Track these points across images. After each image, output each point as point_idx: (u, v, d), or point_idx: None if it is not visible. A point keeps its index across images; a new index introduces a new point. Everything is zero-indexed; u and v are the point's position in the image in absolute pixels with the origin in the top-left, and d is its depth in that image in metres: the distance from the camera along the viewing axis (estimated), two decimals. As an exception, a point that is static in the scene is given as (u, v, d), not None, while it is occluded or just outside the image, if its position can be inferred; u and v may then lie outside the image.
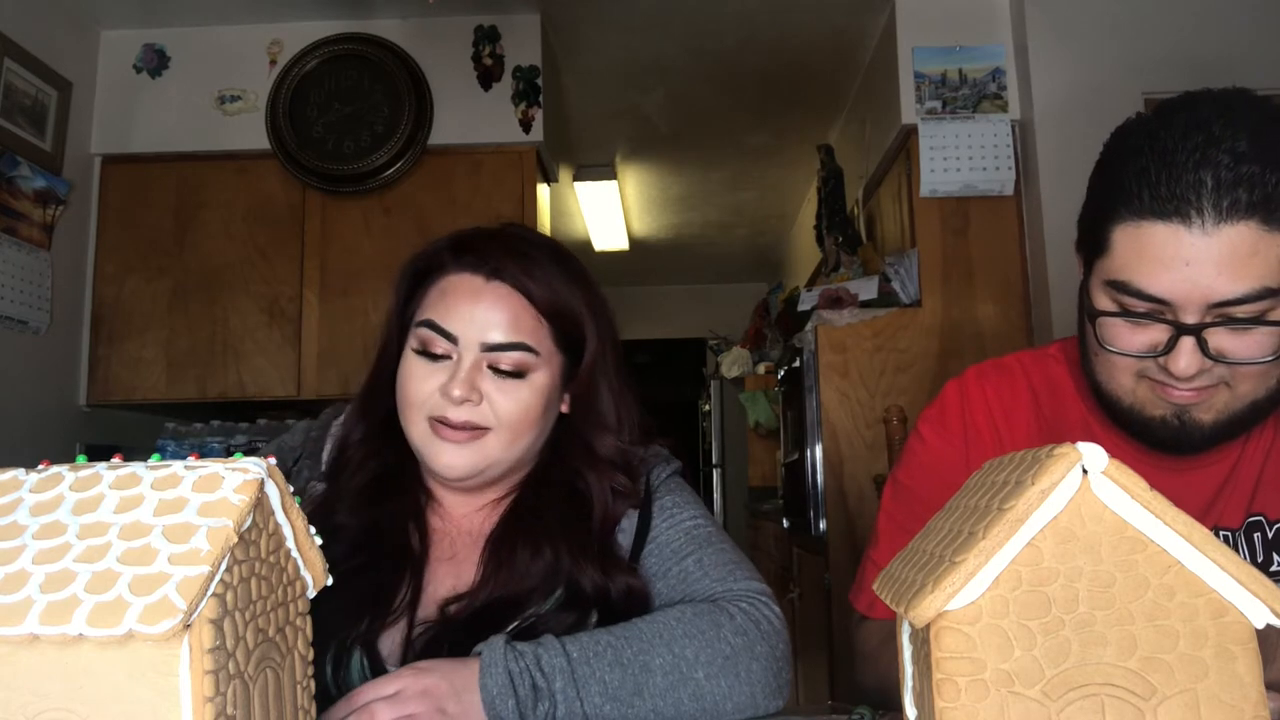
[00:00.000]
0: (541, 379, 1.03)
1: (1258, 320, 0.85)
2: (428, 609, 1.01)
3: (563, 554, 1.01)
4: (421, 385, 1.01)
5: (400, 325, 1.07)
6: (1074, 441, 1.02)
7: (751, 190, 5.23)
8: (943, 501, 1.03)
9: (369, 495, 1.06)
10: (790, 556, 3.78)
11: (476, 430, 1.00)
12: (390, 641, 0.99)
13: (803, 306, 3.12)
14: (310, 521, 1.03)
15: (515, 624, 0.98)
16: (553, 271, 1.04)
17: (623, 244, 5.91)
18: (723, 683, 0.91)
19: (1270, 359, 0.87)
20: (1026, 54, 2.93)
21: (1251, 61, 2.81)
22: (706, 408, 6.94)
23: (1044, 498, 0.52)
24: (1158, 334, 0.90)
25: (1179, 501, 0.97)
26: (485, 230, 1.07)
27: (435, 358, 1.01)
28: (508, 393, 1.01)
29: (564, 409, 1.10)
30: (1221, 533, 1.04)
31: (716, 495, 6.61)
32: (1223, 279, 0.84)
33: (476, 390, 0.99)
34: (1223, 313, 0.86)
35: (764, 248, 6.34)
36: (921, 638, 0.57)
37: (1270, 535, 1.03)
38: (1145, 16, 2.88)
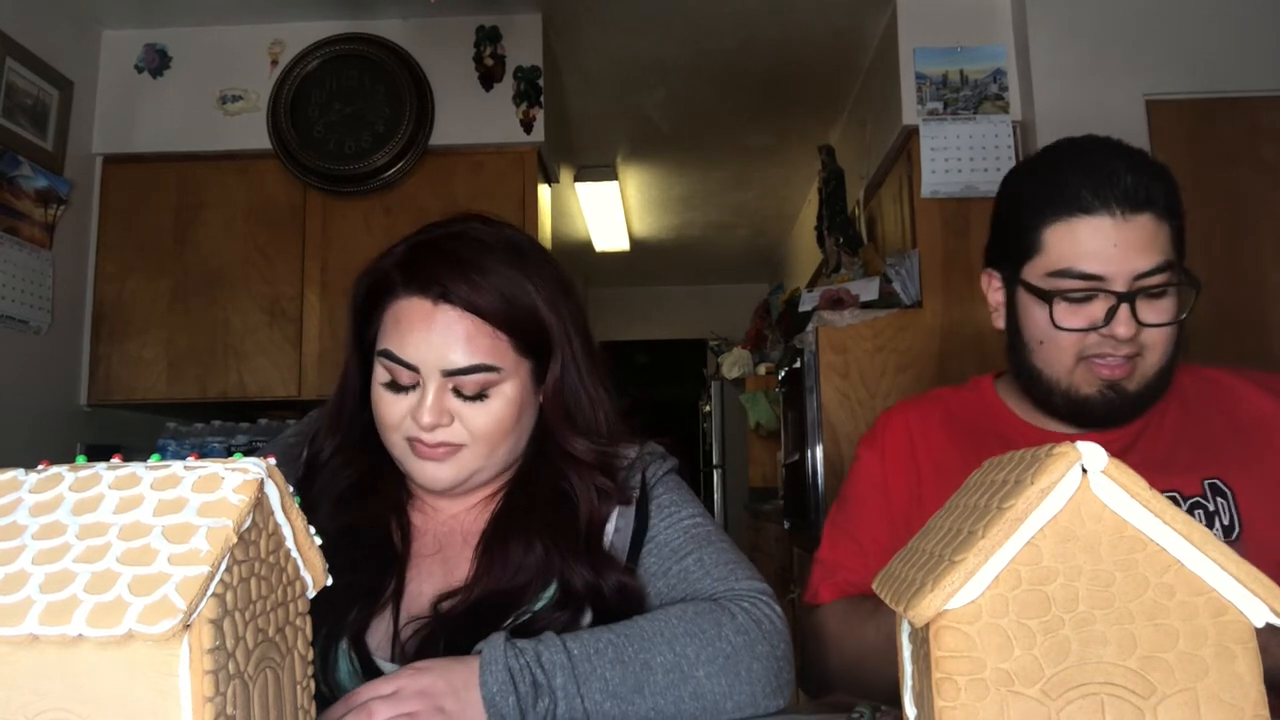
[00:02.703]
0: (510, 390, 1.02)
1: (1165, 287, 1.09)
2: (419, 605, 1.01)
3: (552, 550, 1.01)
4: (393, 410, 1.01)
5: (360, 345, 1.07)
6: (992, 443, 1.15)
7: (752, 191, 5.24)
8: (869, 505, 1.26)
9: (347, 498, 1.06)
10: (790, 557, 3.78)
11: (451, 446, 1.01)
12: (378, 634, 0.99)
13: (803, 307, 3.12)
14: None
15: (511, 620, 0.98)
16: (506, 276, 1.01)
17: (623, 244, 5.91)
18: (723, 681, 0.91)
19: (1176, 320, 1.11)
20: (1028, 55, 2.93)
21: (1252, 62, 2.81)
22: (707, 408, 6.94)
23: (1043, 497, 0.52)
24: (1095, 310, 1.10)
25: None
26: (433, 239, 1.04)
27: (402, 387, 1.01)
28: (477, 409, 1.00)
29: (541, 401, 1.09)
30: None
31: (717, 496, 6.61)
32: (1141, 256, 1.08)
33: (446, 413, 0.99)
34: (1141, 283, 1.08)
35: (765, 248, 6.34)
36: (921, 637, 0.57)
37: (1184, 509, 1.14)
38: (1147, 18, 2.88)
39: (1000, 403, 1.28)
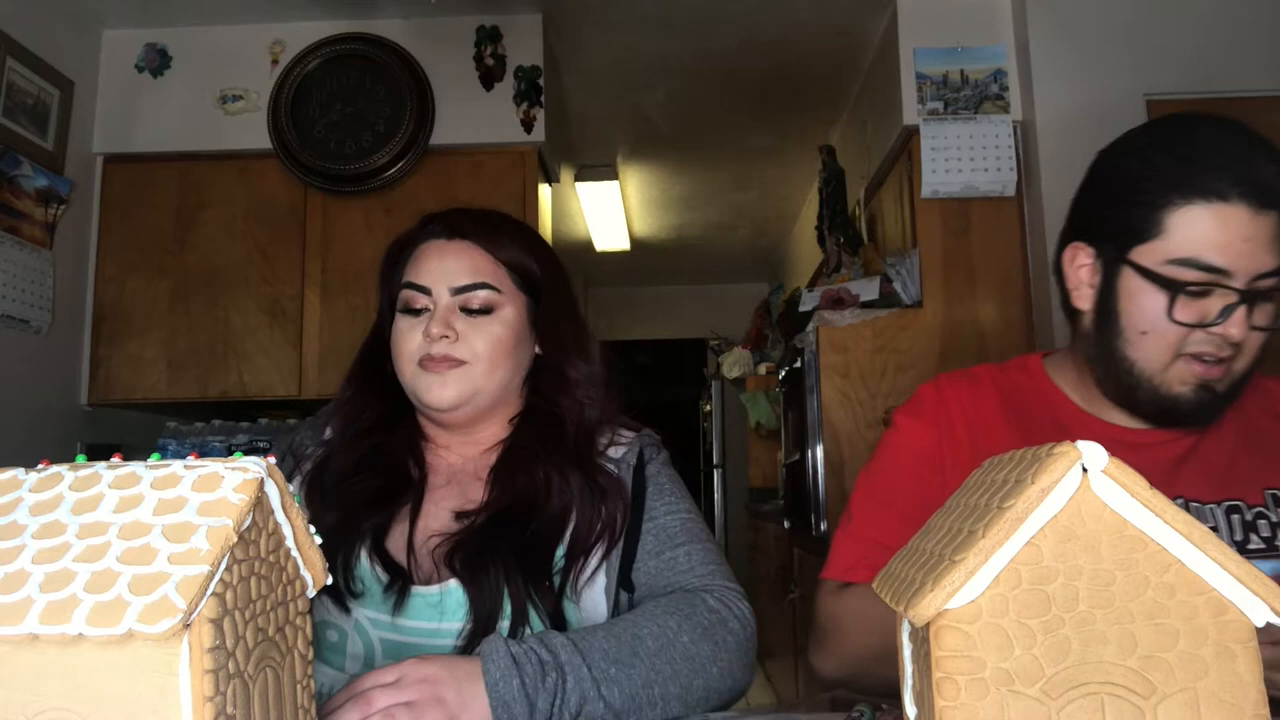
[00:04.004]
0: (509, 314, 1.16)
1: (1274, 291, 1.04)
2: (438, 522, 1.11)
3: (551, 470, 1.13)
4: (409, 338, 1.15)
5: (389, 302, 1.21)
6: (1048, 430, 1.14)
7: (753, 191, 5.23)
8: (916, 477, 1.19)
9: (366, 431, 1.18)
10: (791, 557, 3.78)
11: (455, 361, 1.13)
12: (396, 542, 1.09)
13: (804, 307, 3.12)
14: (314, 473, 1.13)
15: (531, 528, 1.08)
16: (507, 230, 1.20)
17: (624, 244, 5.91)
18: (705, 647, 0.98)
19: (1276, 325, 1.06)
20: (1028, 55, 2.93)
21: (1253, 63, 2.81)
22: (707, 408, 6.94)
23: (1044, 496, 0.52)
24: (1210, 306, 1.04)
25: (1150, 470, 1.08)
26: (450, 208, 1.22)
27: (416, 312, 1.15)
28: (480, 329, 1.14)
29: (538, 350, 1.22)
30: (1190, 504, 1.13)
31: (717, 495, 6.61)
32: (1267, 254, 1.02)
33: (452, 329, 1.13)
34: (1259, 284, 1.03)
35: (765, 248, 6.33)
36: (921, 636, 0.57)
37: (1249, 518, 1.13)
38: (1147, 18, 2.88)
39: (1055, 388, 1.21)
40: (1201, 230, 1.02)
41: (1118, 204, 1.10)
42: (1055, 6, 2.92)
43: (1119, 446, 1.14)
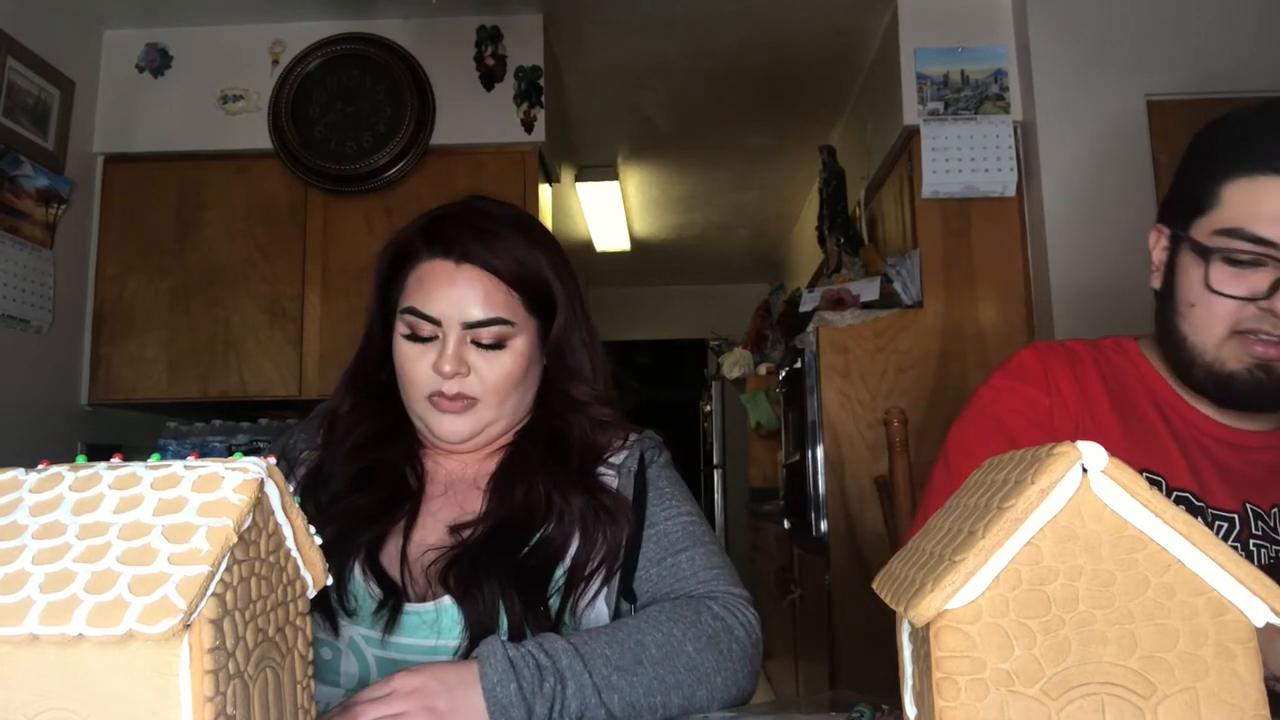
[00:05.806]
0: (520, 344, 1.12)
1: None
2: (434, 535, 1.09)
3: (552, 489, 1.10)
4: (416, 366, 1.10)
5: (383, 310, 1.16)
6: (1151, 419, 1.13)
7: (753, 191, 5.23)
8: (1018, 437, 1.14)
9: (362, 445, 1.15)
10: (791, 557, 3.78)
11: (468, 400, 1.10)
12: (391, 550, 1.07)
13: (804, 307, 3.12)
14: (308, 480, 1.11)
15: (525, 547, 1.05)
16: (516, 242, 1.12)
17: (624, 244, 5.91)
18: (710, 656, 0.97)
19: None
20: (1029, 55, 2.93)
21: (1254, 64, 2.81)
22: (708, 408, 6.94)
23: (1044, 496, 0.52)
24: (1259, 280, 1.01)
25: (1248, 473, 1.06)
26: (450, 211, 1.14)
27: (424, 340, 1.10)
28: (491, 362, 1.10)
29: (546, 358, 1.19)
30: None
31: (717, 495, 6.61)
32: None
33: (464, 364, 1.09)
34: None
35: (765, 248, 6.34)
36: (921, 637, 0.57)
37: None
38: (1148, 18, 2.88)
39: (1155, 373, 1.18)
40: (1251, 201, 1.01)
41: (1186, 180, 1.10)
42: (1055, 7, 2.92)
43: (1221, 445, 1.13)
